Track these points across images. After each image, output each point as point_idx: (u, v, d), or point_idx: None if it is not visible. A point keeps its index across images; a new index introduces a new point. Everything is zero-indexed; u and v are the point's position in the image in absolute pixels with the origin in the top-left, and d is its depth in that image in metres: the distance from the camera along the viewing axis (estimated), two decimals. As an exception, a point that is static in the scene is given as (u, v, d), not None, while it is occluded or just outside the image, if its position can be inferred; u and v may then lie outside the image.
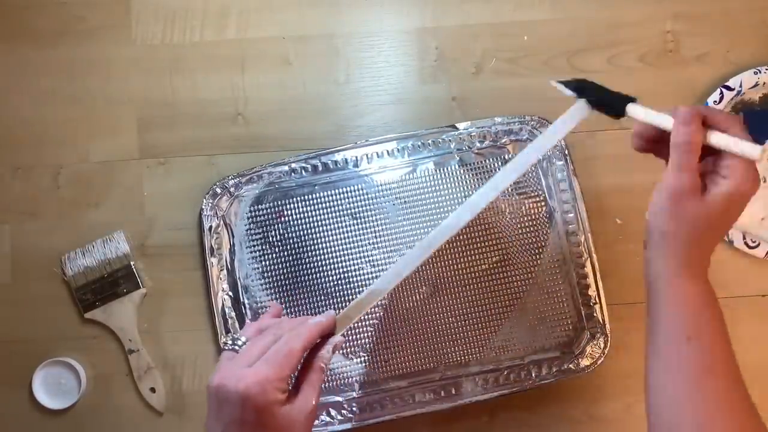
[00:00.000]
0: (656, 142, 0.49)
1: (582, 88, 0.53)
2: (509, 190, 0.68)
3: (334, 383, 0.67)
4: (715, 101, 0.68)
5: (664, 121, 0.47)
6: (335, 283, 0.68)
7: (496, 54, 0.71)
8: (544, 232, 0.68)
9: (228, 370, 0.48)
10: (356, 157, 0.69)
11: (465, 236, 0.68)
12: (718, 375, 0.46)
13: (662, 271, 0.47)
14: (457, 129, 0.69)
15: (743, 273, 0.69)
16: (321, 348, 0.52)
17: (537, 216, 0.68)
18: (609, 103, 0.51)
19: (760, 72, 0.68)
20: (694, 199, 0.45)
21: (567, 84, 0.54)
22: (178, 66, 0.72)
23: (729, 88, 0.68)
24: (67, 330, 0.70)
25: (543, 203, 0.68)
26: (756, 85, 0.68)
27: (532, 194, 0.68)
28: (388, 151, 0.69)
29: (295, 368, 0.49)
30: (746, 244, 0.68)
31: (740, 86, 0.68)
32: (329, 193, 0.69)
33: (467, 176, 0.69)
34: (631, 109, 0.49)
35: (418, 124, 0.71)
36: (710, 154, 0.46)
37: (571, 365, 0.66)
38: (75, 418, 0.69)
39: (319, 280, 0.68)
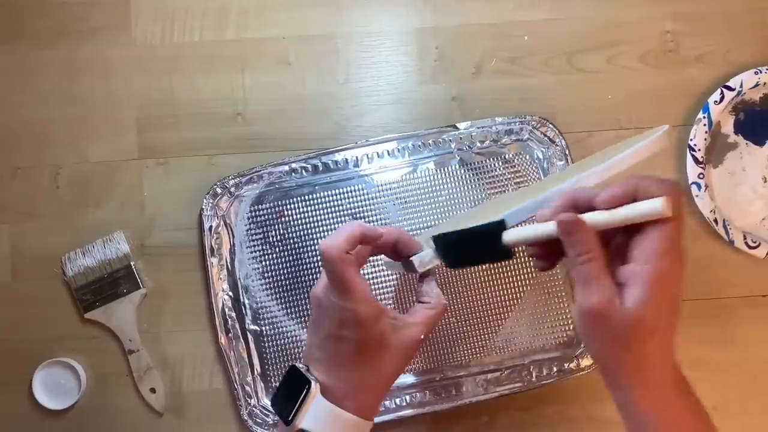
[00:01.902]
0: (557, 250, 0.43)
1: (443, 244, 0.48)
2: (509, 189, 0.68)
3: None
4: (716, 101, 0.68)
5: (547, 228, 0.41)
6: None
7: (496, 54, 0.71)
8: None
9: (323, 281, 0.48)
10: (356, 157, 0.69)
11: None
12: None
13: (626, 401, 0.42)
14: (457, 129, 0.69)
15: (743, 273, 0.69)
16: (431, 287, 0.52)
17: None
18: (482, 245, 0.44)
19: (760, 72, 0.68)
20: (615, 311, 0.39)
21: (435, 244, 0.49)
22: (178, 66, 0.72)
23: (730, 88, 0.68)
24: (66, 330, 0.70)
25: None
26: (756, 85, 0.68)
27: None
28: (388, 151, 0.69)
29: (358, 272, 0.47)
30: (747, 244, 0.68)
31: (741, 86, 0.68)
32: (329, 193, 0.69)
33: (468, 176, 0.69)
34: (508, 236, 0.43)
35: (418, 124, 0.71)
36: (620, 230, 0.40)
37: (571, 365, 0.66)
38: (75, 418, 0.69)
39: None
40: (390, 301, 0.68)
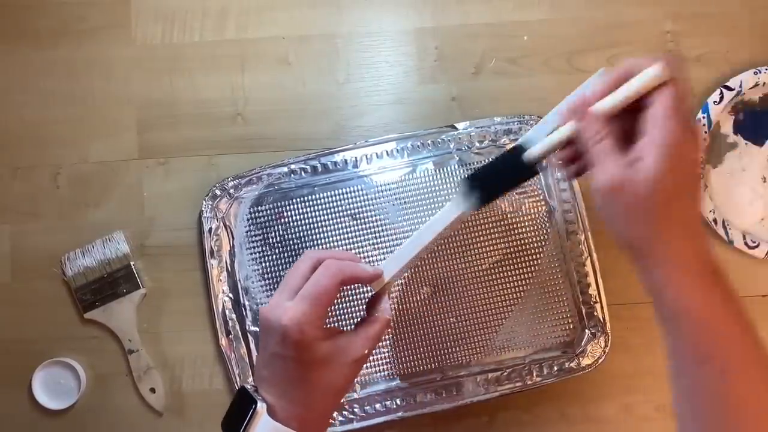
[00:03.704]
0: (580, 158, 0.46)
1: (476, 183, 0.51)
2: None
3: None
4: (715, 101, 0.68)
5: (564, 133, 0.45)
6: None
7: (495, 54, 0.71)
8: (544, 231, 0.68)
9: (274, 301, 0.48)
10: (356, 157, 0.69)
11: (465, 236, 0.68)
12: (747, 404, 0.38)
13: (654, 284, 0.42)
14: (456, 129, 0.69)
15: (743, 273, 0.69)
16: (380, 301, 0.52)
17: (537, 215, 0.68)
18: (510, 175, 0.49)
19: (760, 72, 0.68)
20: (631, 181, 0.39)
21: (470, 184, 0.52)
22: (178, 66, 0.72)
23: (729, 89, 0.68)
24: (66, 330, 0.70)
25: (543, 202, 0.68)
26: (756, 85, 0.68)
27: (532, 194, 0.68)
28: (387, 152, 0.69)
29: (328, 304, 0.48)
30: (746, 244, 0.68)
31: (740, 86, 0.68)
32: (329, 194, 0.69)
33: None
34: (530, 154, 0.47)
35: (417, 124, 0.71)
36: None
37: (572, 364, 0.66)
38: (75, 418, 0.69)
39: (319, 280, 0.68)
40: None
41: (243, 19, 0.72)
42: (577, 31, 0.72)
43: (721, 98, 0.68)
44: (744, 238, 0.68)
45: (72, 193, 0.71)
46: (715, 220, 0.68)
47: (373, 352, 0.66)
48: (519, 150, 0.48)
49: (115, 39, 0.72)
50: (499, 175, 0.50)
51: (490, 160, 0.49)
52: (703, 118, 0.68)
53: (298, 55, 0.72)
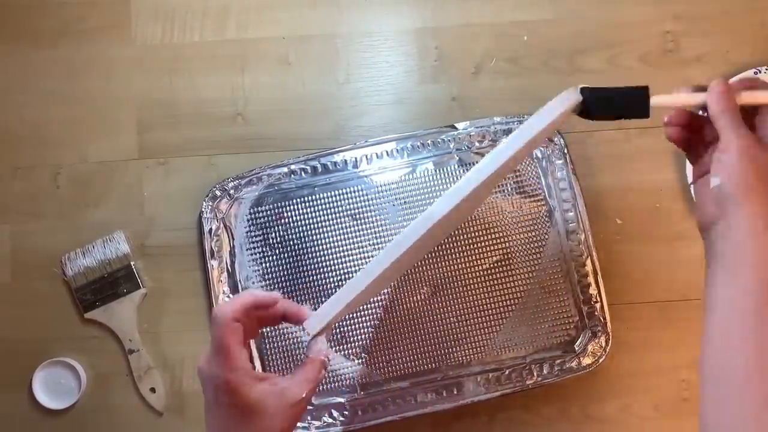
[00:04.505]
0: (687, 127, 0.49)
1: (595, 100, 0.52)
2: (509, 189, 0.68)
3: (336, 384, 0.67)
4: (715, 101, 0.68)
5: (695, 98, 0.47)
6: (336, 283, 0.68)
7: (496, 54, 0.71)
8: (545, 231, 0.68)
9: (204, 351, 0.48)
10: (356, 158, 0.69)
11: (465, 236, 0.68)
12: None
13: (747, 234, 0.43)
14: (456, 129, 0.69)
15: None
16: (317, 342, 0.51)
17: (537, 215, 0.68)
18: (628, 104, 0.50)
19: (759, 72, 0.68)
20: (764, 150, 0.44)
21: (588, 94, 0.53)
22: (178, 66, 0.72)
23: (729, 88, 0.68)
24: (67, 330, 0.70)
25: (543, 202, 0.68)
26: (756, 85, 0.68)
27: (532, 193, 0.69)
28: (387, 152, 0.69)
29: (239, 343, 0.47)
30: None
31: (740, 86, 0.68)
32: (329, 194, 0.69)
33: (467, 176, 0.69)
34: (657, 100, 0.49)
35: (417, 124, 0.71)
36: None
37: (572, 364, 0.66)
38: (75, 418, 0.69)
39: (319, 281, 0.68)
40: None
41: (243, 19, 0.72)
42: (577, 31, 0.72)
43: (721, 98, 0.68)
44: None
45: (72, 193, 0.71)
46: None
47: (375, 352, 0.67)
48: (647, 90, 0.50)
49: (115, 39, 0.72)
50: (619, 98, 0.51)
51: (615, 87, 0.50)
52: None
53: (299, 55, 0.72)
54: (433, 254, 0.68)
